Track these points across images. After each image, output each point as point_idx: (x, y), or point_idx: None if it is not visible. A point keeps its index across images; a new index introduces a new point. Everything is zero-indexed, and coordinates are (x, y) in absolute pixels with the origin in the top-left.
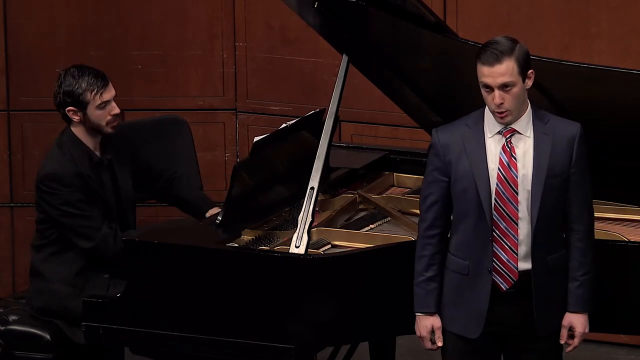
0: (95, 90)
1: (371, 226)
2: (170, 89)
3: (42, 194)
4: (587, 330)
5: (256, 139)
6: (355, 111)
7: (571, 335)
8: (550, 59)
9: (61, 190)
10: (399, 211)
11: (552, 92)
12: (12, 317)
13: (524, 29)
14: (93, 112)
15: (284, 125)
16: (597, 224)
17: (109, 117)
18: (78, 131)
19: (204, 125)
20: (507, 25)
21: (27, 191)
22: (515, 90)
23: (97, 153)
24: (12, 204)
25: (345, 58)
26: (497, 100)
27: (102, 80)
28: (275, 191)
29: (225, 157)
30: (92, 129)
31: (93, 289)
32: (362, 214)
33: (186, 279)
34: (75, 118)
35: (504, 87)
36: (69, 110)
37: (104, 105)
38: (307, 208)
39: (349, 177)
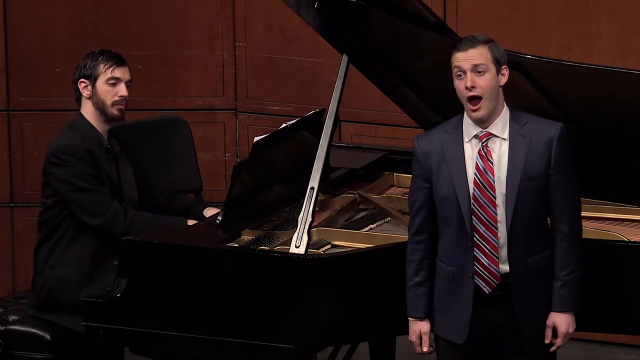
0: (108, 65)
1: (371, 226)
2: (170, 89)
3: (53, 169)
4: (571, 330)
5: (256, 139)
6: (355, 111)
7: (556, 335)
8: (550, 59)
9: (73, 162)
10: (399, 211)
11: (552, 92)
12: (12, 317)
13: (524, 29)
14: (102, 87)
15: (284, 125)
16: (597, 224)
17: (115, 97)
18: (88, 113)
19: (204, 125)
20: (507, 25)
21: (27, 191)
22: (487, 76)
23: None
24: (12, 204)
25: (345, 58)
26: (469, 83)
27: (118, 58)
28: (275, 191)
29: (225, 157)
30: (99, 107)
31: (102, 277)
32: (362, 214)
33: (186, 279)
34: (86, 93)
35: (477, 71)
36: (81, 82)
37: (113, 82)
38: (307, 208)
39: (349, 177)
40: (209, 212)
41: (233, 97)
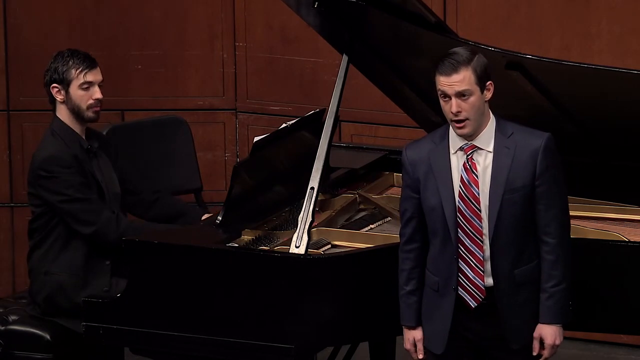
0: (80, 69)
1: (371, 226)
2: (170, 89)
3: (42, 181)
4: (558, 341)
5: (256, 139)
6: (355, 111)
7: (543, 347)
8: (550, 59)
9: (61, 172)
10: (399, 211)
11: (552, 92)
12: (12, 317)
13: (524, 29)
14: (75, 92)
15: (284, 125)
16: (597, 224)
17: (90, 101)
18: (64, 116)
19: (204, 125)
20: (507, 25)
21: (27, 191)
22: (472, 99)
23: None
24: (12, 204)
25: (345, 58)
26: (454, 109)
27: (89, 62)
28: (275, 191)
29: (225, 157)
30: (74, 111)
31: (97, 279)
32: (362, 214)
33: (186, 279)
34: (59, 97)
35: (461, 95)
36: (53, 88)
37: (87, 86)
38: (307, 208)
39: (349, 177)
40: (207, 217)
41: (233, 97)
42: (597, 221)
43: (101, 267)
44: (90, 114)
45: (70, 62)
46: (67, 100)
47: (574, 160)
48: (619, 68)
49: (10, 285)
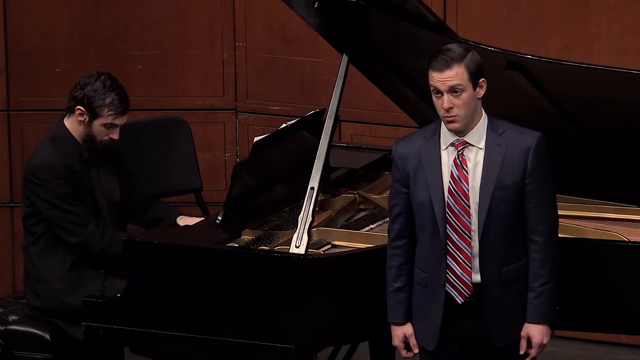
0: (112, 112)
1: (371, 226)
2: (170, 89)
3: (31, 186)
4: (545, 340)
5: (256, 139)
6: (355, 111)
7: (530, 346)
8: (550, 59)
9: (50, 182)
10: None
11: (552, 92)
12: (12, 317)
13: (524, 29)
14: (97, 127)
15: (284, 125)
16: (597, 224)
17: (106, 138)
18: (72, 126)
19: (204, 125)
20: (507, 25)
21: None
22: (464, 95)
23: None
24: (12, 204)
25: (345, 58)
26: (446, 105)
27: (124, 106)
28: (275, 191)
29: (225, 157)
30: (87, 136)
31: (88, 283)
32: (362, 214)
33: (186, 279)
34: (80, 118)
35: (453, 91)
36: (78, 109)
37: (110, 126)
38: (307, 208)
39: (349, 177)
40: (181, 220)
41: (233, 97)
42: (597, 221)
43: (92, 272)
44: (98, 144)
45: (107, 100)
46: (86, 125)
47: (574, 160)
48: (619, 68)
49: (10, 285)
